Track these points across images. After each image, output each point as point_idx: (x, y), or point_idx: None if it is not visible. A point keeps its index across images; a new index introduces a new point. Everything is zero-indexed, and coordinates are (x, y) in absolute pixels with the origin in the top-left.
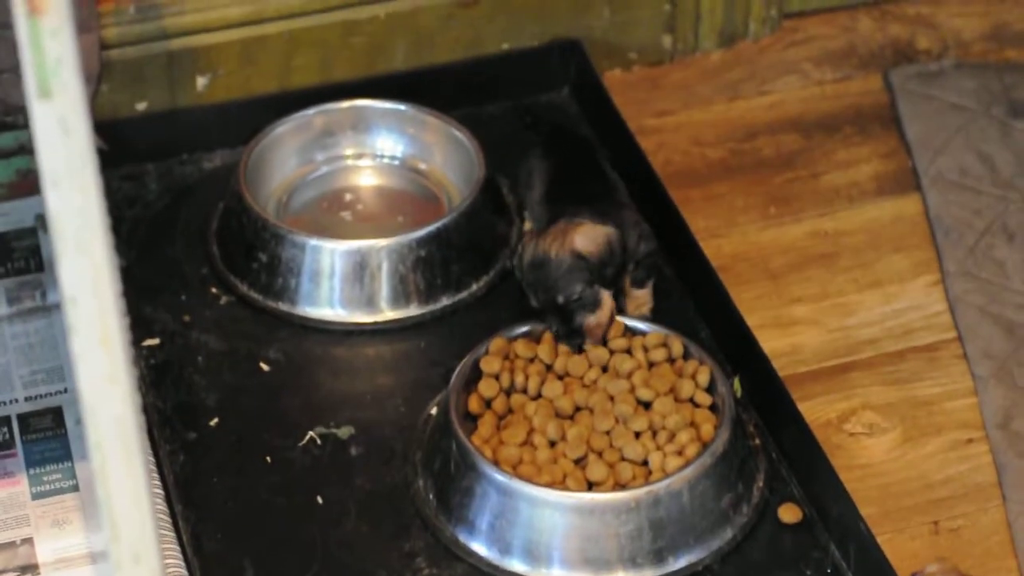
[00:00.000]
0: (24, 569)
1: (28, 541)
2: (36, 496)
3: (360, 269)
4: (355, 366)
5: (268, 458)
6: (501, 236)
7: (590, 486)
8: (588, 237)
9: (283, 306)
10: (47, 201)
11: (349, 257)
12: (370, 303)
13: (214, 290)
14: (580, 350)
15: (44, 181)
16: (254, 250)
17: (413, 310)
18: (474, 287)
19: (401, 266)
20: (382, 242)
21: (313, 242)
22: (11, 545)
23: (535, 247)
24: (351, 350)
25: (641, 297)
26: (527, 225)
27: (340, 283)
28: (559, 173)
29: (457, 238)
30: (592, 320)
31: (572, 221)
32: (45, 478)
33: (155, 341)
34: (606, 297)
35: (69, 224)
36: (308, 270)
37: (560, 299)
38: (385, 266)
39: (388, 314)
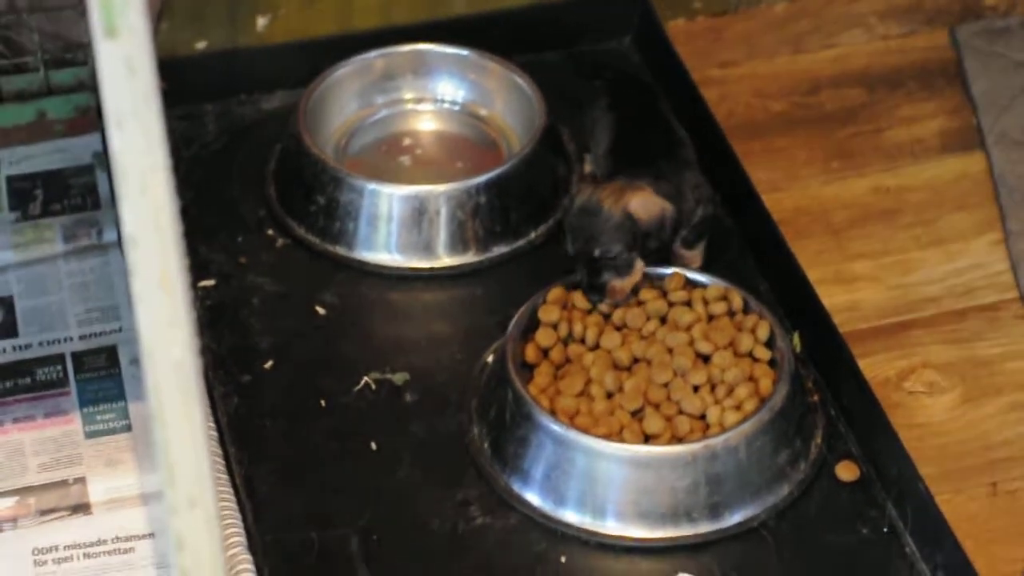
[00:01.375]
0: (76, 508)
1: (81, 480)
2: (89, 435)
3: (418, 214)
4: (411, 312)
5: (322, 402)
6: (561, 184)
7: (647, 439)
8: (644, 204)
9: (340, 250)
10: (111, 141)
11: (407, 202)
12: (427, 249)
13: (270, 232)
14: (594, 306)
15: (108, 121)
16: (312, 193)
17: (471, 257)
18: (532, 235)
19: (459, 212)
20: (441, 188)
21: (372, 186)
22: (64, 484)
23: (590, 195)
24: (407, 296)
25: (689, 257)
26: (586, 167)
27: (398, 228)
28: (624, 127)
29: (516, 186)
30: (618, 283)
31: (632, 183)
32: (99, 417)
33: (211, 282)
34: (639, 265)
35: (132, 165)
36: (366, 214)
37: (597, 252)
38: (443, 212)
39: (445, 260)
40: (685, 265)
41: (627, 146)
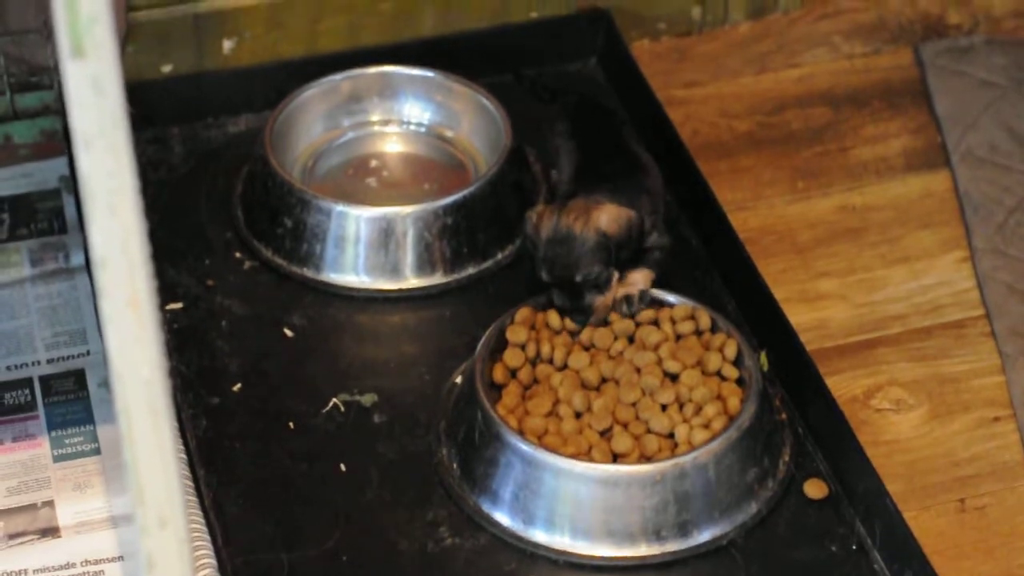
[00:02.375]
0: (45, 532)
1: (49, 504)
2: (58, 459)
3: (385, 236)
4: (379, 333)
5: (291, 424)
6: (527, 205)
7: (615, 458)
8: (612, 217)
9: (307, 272)
10: (79, 162)
11: (374, 224)
12: (395, 270)
13: (238, 255)
14: (581, 327)
15: (76, 142)
16: (279, 215)
17: (438, 278)
18: (499, 256)
19: (427, 234)
20: (408, 209)
21: (339, 208)
22: (32, 507)
23: (557, 222)
24: (375, 317)
25: (634, 278)
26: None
27: (365, 250)
28: (587, 153)
29: (483, 207)
30: (600, 300)
31: (591, 199)
32: (67, 440)
33: (178, 305)
34: (615, 276)
35: (100, 186)
36: (333, 236)
37: (578, 277)
38: (411, 233)
39: (413, 282)
40: (626, 285)
41: (590, 172)
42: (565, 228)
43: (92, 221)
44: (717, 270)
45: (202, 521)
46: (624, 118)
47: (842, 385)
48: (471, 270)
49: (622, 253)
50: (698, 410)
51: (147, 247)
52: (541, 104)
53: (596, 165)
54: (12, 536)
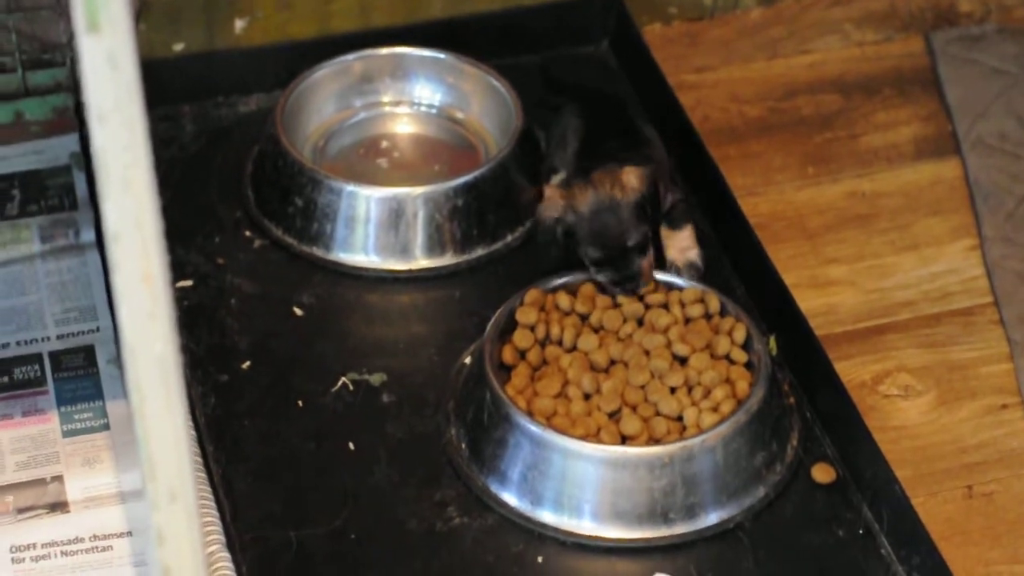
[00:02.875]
0: (54, 506)
1: (58, 479)
2: (67, 434)
3: (396, 216)
4: (389, 314)
5: (300, 402)
6: (538, 187)
7: (624, 440)
8: (637, 175)
9: (317, 251)
10: (93, 137)
11: (385, 204)
12: (405, 251)
13: (248, 233)
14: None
15: (91, 116)
16: (289, 194)
17: (448, 259)
18: (509, 238)
19: (437, 215)
20: (418, 190)
21: (349, 188)
22: (41, 482)
23: (596, 194)
24: (385, 297)
25: (682, 240)
26: (556, 180)
27: (375, 230)
28: (592, 130)
29: (493, 188)
30: (646, 261)
31: (609, 168)
32: (76, 416)
33: (188, 283)
34: (649, 236)
35: (115, 160)
36: (343, 216)
37: (631, 242)
38: (421, 214)
39: (423, 262)
40: (681, 250)
41: (594, 146)
42: (607, 197)
43: (106, 196)
44: (727, 255)
45: (211, 497)
46: (632, 102)
47: (851, 371)
48: (481, 251)
49: (648, 209)
50: (707, 393)
51: (161, 222)
52: (550, 94)
53: (602, 142)
54: (21, 510)
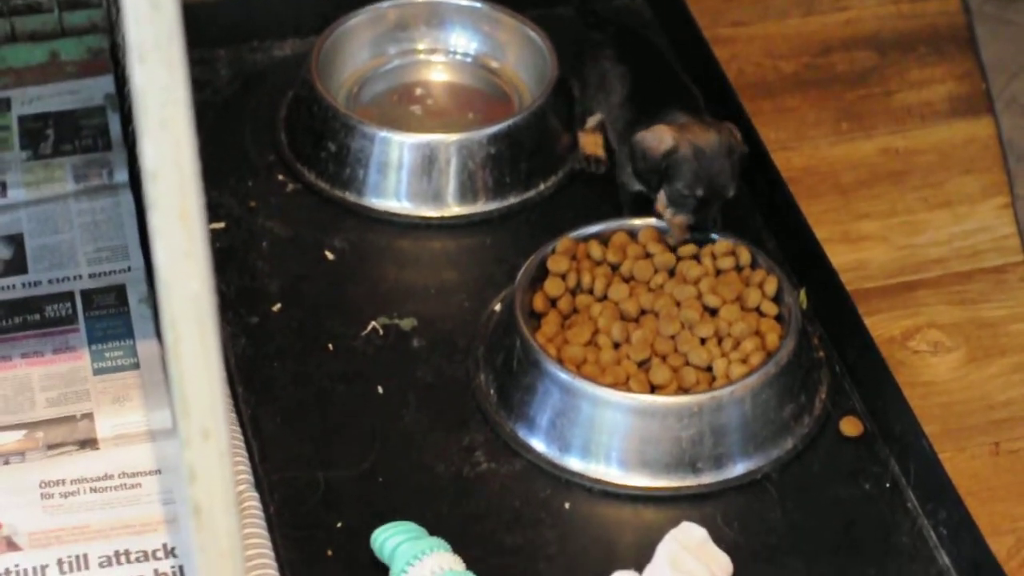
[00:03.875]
0: (83, 443)
1: (88, 416)
2: (97, 372)
3: (428, 163)
4: (420, 259)
5: (330, 345)
6: (571, 138)
7: (653, 389)
8: (738, 132)
9: (350, 196)
10: (132, 75)
11: (418, 150)
12: (437, 197)
13: (281, 177)
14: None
15: (130, 55)
16: (323, 139)
17: (480, 207)
18: (542, 187)
19: (470, 162)
20: (452, 137)
21: (383, 133)
22: (71, 419)
23: (719, 138)
24: (416, 243)
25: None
26: (593, 122)
27: (408, 176)
28: (640, 77)
29: (527, 137)
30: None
31: (695, 119)
32: (107, 354)
33: (220, 225)
34: None
35: (153, 99)
36: (376, 161)
37: (730, 193)
38: (454, 161)
39: (455, 209)
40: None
41: (645, 96)
42: (727, 143)
43: (144, 134)
44: (759, 209)
45: (240, 438)
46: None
47: (880, 326)
48: (513, 199)
49: None
50: (736, 345)
51: (198, 161)
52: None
53: (652, 90)
54: (51, 447)
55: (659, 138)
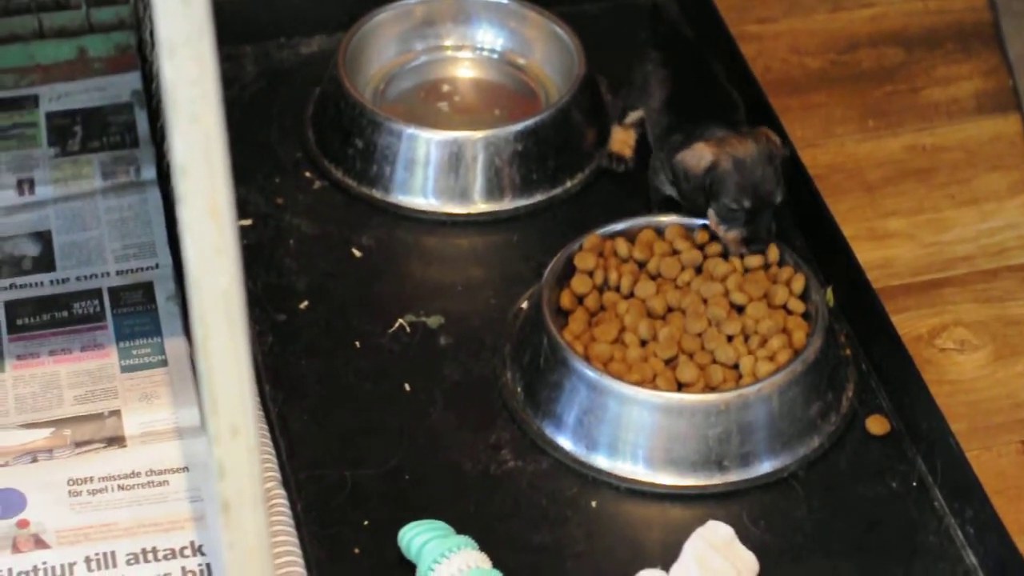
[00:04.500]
0: (111, 440)
1: (116, 413)
2: (125, 369)
3: (455, 160)
4: (447, 257)
5: (357, 343)
6: (598, 135)
7: (680, 387)
8: (777, 138)
9: (377, 193)
10: (162, 70)
11: (445, 147)
12: (464, 195)
13: (308, 174)
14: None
15: (160, 50)
16: (350, 136)
17: (507, 204)
18: (569, 184)
19: (497, 159)
20: (479, 134)
21: (410, 130)
22: (99, 416)
23: (757, 147)
24: (443, 240)
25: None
26: (634, 117)
27: (435, 173)
28: (681, 83)
29: (554, 134)
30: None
31: (733, 131)
32: (134, 352)
33: (247, 222)
34: None
35: (183, 94)
36: (403, 158)
37: (778, 199)
38: (481, 158)
39: (481, 206)
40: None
41: (685, 102)
42: (767, 150)
43: (174, 128)
44: (786, 205)
45: (267, 435)
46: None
47: (907, 324)
48: (540, 197)
49: None
50: (763, 342)
51: (228, 156)
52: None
53: (692, 97)
54: (79, 444)
55: (698, 156)
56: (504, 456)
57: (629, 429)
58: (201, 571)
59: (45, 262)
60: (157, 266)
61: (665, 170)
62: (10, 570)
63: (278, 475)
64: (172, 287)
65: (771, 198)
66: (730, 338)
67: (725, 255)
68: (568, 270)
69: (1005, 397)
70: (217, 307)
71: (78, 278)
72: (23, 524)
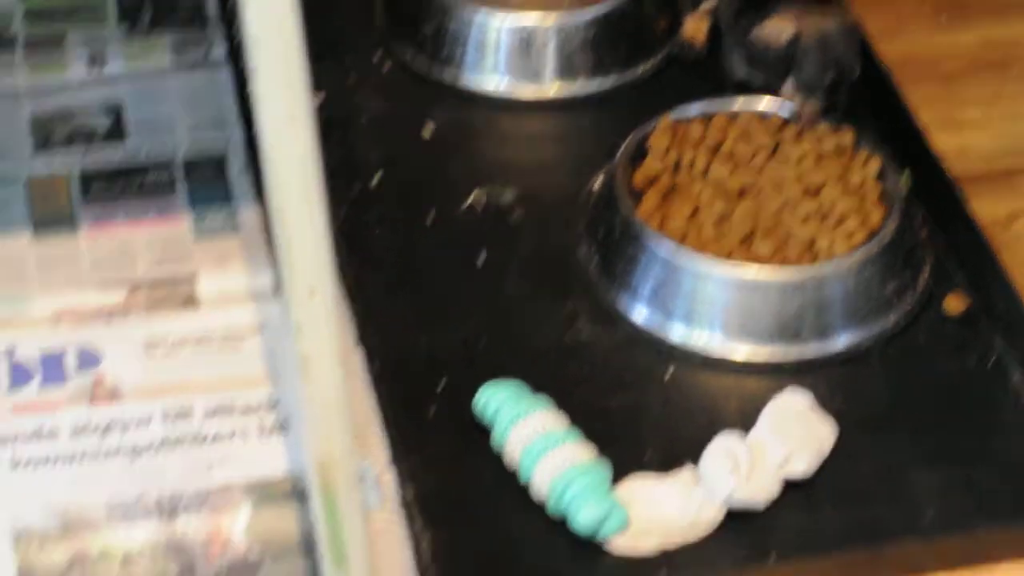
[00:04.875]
0: (185, 302)
1: (190, 277)
2: (198, 235)
3: (527, 44)
4: (518, 138)
5: (430, 217)
6: (672, 20)
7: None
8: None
9: (448, 75)
10: None
11: (516, 33)
12: (536, 77)
13: (379, 55)
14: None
15: None
16: (421, 18)
17: (579, 87)
18: (641, 68)
19: (569, 42)
20: (552, 17)
21: (481, 14)
22: (173, 279)
23: (842, 19)
24: (514, 123)
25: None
26: (708, 5)
27: (506, 56)
28: None
29: (628, 19)
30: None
31: (807, 5)
32: (208, 218)
33: (321, 95)
34: None
35: None
36: (475, 41)
37: (856, 75)
38: (553, 41)
39: (553, 89)
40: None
41: None
42: (851, 24)
43: (247, 1)
44: (860, 92)
45: (343, 301)
46: None
47: (983, 209)
48: (613, 80)
49: None
50: (840, 222)
51: (302, 27)
52: None
53: None
54: (153, 305)
55: (779, 29)
56: (578, 326)
57: (704, 302)
58: (278, 425)
59: (117, 135)
60: (229, 141)
61: (739, 50)
62: (88, 421)
63: (354, 337)
64: (244, 159)
65: (852, 72)
66: (806, 218)
67: (800, 136)
68: (641, 151)
69: None
70: (293, 173)
71: (150, 150)
72: (99, 379)
